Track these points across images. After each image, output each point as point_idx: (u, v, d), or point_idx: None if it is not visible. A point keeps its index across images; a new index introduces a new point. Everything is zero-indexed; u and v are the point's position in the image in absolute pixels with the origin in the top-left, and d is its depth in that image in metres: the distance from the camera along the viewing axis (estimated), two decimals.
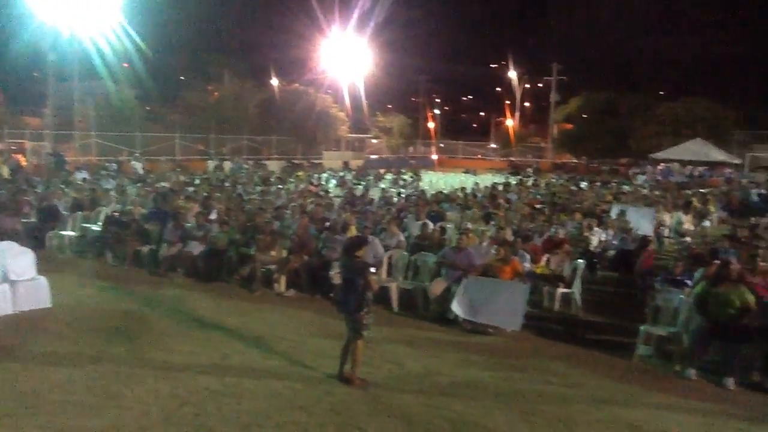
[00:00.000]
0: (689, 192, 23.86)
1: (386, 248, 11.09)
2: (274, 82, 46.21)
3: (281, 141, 44.10)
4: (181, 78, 42.61)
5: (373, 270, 7.08)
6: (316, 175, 28.99)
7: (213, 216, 13.71)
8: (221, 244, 11.73)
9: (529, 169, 40.47)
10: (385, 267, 10.68)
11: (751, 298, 7.53)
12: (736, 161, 37.84)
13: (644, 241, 11.28)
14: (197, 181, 23.38)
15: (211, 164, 31.97)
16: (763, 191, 24.46)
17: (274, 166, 35.40)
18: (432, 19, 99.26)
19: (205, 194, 17.88)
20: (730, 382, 7.22)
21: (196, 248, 11.83)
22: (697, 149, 36.90)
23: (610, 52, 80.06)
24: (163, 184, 21.66)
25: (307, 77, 45.68)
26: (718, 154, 36.94)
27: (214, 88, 43.02)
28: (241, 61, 42.98)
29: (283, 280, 10.85)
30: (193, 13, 38.24)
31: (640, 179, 32.82)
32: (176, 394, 6.41)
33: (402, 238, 11.83)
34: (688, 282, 9.10)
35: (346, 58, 46.22)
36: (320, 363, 7.34)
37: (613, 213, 16.56)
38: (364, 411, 6.18)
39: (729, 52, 71.52)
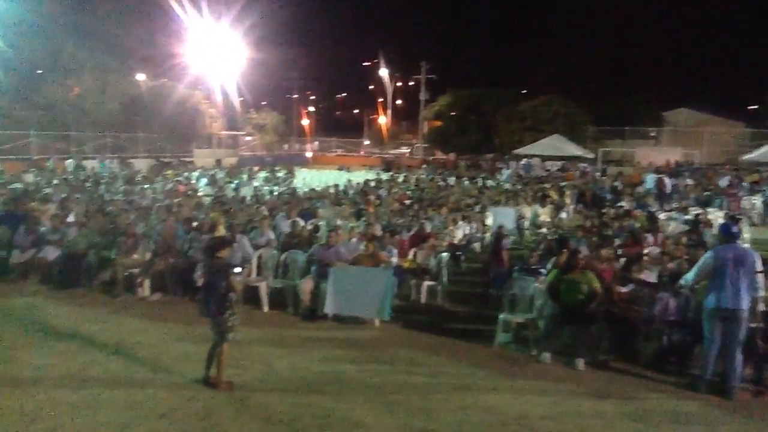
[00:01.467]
0: (547, 186, 25.29)
1: (257, 247, 10.97)
2: (141, 77, 44.18)
3: (149, 138, 42.26)
4: (39, 72, 39.65)
5: (237, 270, 6.99)
6: (185, 174, 28.07)
7: (71, 218, 12.96)
8: (79, 248, 11.12)
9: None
10: (254, 266, 10.59)
11: (597, 284, 8.15)
12: (590, 156, 40.61)
13: (498, 235, 11.78)
14: (55, 182, 21.96)
15: (70, 163, 30.10)
16: (616, 183, 26.35)
17: (142, 164, 33.90)
18: (306, 17, 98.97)
19: (63, 195, 16.86)
20: (580, 363, 7.76)
21: (51, 253, 11.15)
22: (556, 145, 39.17)
23: (476, 52, 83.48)
24: (17, 185, 20.21)
25: (176, 72, 44.11)
26: (574, 149, 39.40)
27: (74, 83, 40.47)
28: (104, 54, 40.62)
29: (147, 283, 10.46)
30: (51, 4, 35.53)
31: (504, 174, 34.38)
32: (25, 410, 6.01)
33: (272, 236, 11.74)
34: (543, 271, 9.67)
35: (218, 54, 45.08)
36: (185, 368, 7.15)
37: (477, 209, 17.34)
38: (230, 414, 6.09)
39: (584, 53, 76.90)
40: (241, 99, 52.67)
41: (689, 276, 7.36)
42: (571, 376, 7.56)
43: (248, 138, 55.90)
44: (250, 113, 56.22)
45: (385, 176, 30.58)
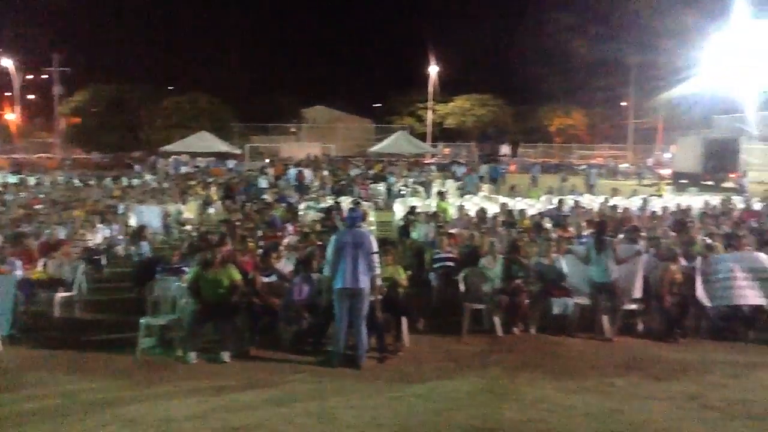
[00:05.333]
0: (193, 182, 25.04)
1: None
2: None
3: None
4: None
5: None
6: None
7: None
8: None
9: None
10: None
11: (238, 276, 8.30)
12: (237, 151, 41.43)
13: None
14: None
15: None
16: (263, 178, 27.14)
17: None
18: None
19: None
20: (226, 356, 7.82)
21: None
22: (203, 142, 39.01)
23: (112, 44, 78.66)
24: None
25: None
26: (221, 146, 39.73)
27: None
28: None
29: None
30: None
31: (148, 175, 33.02)
32: None
33: None
34: (186, 269, 9.52)
35: None
36: None
37: (121, 209, 16.36)
38: None
39: (229, 51, 77.96)
40: None
41: (327, 260, 7.92)
42: (218, 371, 7.59)
43: None
44: None
45: (13, 179, 26.95)
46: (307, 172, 25.79)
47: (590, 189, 25.33)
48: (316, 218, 14.76)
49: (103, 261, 12.20)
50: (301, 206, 17.20)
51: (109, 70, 61.46)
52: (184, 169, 33.64)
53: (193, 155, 38.07)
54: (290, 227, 12.89)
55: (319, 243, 10.41)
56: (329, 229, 11.99)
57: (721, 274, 9.14)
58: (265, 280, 8.96)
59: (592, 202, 18.44)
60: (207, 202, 19.30)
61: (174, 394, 6.87)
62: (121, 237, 13.68)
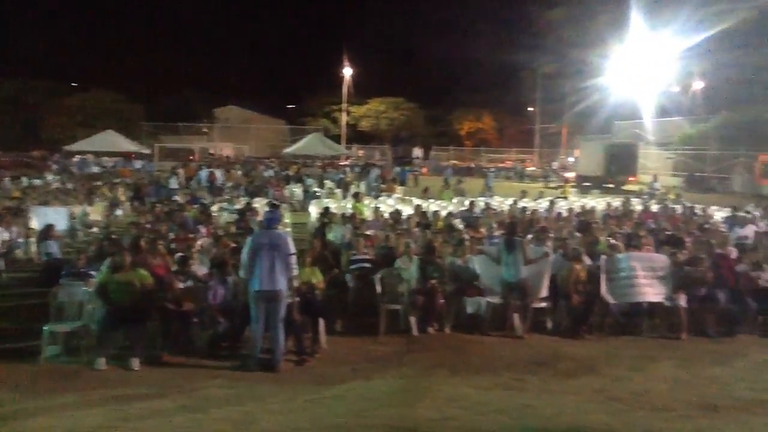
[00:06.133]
0: (99, 183, 24.08)
1: None
2: None
3: None
4: None
5: None
6: None
7: None
8: None
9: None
10: None
11: (149, 279, 8.06)
12: (146, 151, 40.09)
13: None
14: None
15: None
16: (172, 178, 26.37)
17: None
18: None
19: None
20: (135, 363, 7.56)
21: None
22: (110, 140, 37.52)
23: (11, 39, 74.55)
24: None
25: None
26: (129, 145, 38.36)
27: None
28: None
29: None
30: None
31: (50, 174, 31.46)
32: None
33: None
34: (93, 273, 9.13)
35: None
36: None
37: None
38: None
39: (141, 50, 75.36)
40: None
41: (242, 262, 7.79)
42: (129, 378, 7.33)
43: None
44: None
45: None
46: (219, 173, 25.30)
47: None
48: (231, 220, 14.50)
49: (1, 265, 11.54)
50: (214, 208, 16.84)
51: (6, 65, 58.16)
52: (95, 169, 32.29)
53: (99, 155, 36.59)
54: (203, 229, 12.61)
55: (234, 245, 10.24)
56: (244, 231, 11.80)
57: (623, 272, 9.64)
58: (181, 285, 8.74)
59: (501, 204, 18.98)
60: (114, 204, 18.59)
61: (81, 404, 6.56)
62: (21, 240, 12.97)
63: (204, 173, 25.27)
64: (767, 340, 9.41)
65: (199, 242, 11.16)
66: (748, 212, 15.99)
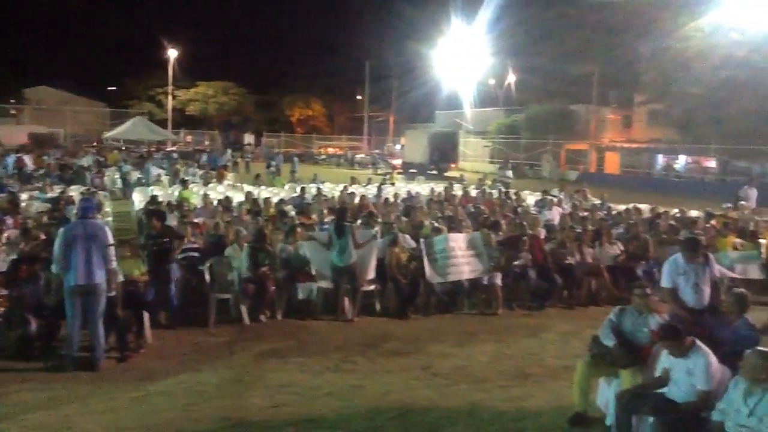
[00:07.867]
0: None
1: None
2: None
3: None
4: None
5: None
6: None
7: None
8: None
9: None
10: None
11: None
12: None
13: None
14: None
15: None
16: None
17: None
18: None
19: None
20: None
21: None
22: None
23: None
24: None
25: None
26: None
27: None
28: None
29: None
30: None
31: None
32: None
33: None
34: None
35: None
36: None
37: None
38: None
39: None
40: None
41: (55, 256, 7.20)
42: None
43: None
44: None
45: None
46: (28, 159, 23.16)
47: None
48: (43, 210, 13.33)
49: None
50: (24, 196, 15.38)
51: None
52: None
53: None
54: (10, 220, 11.50)
55: (44, 237, 9.45)
56: (58, 221, 10.89)
57: (443, 253, 10.19)
58: None
59: (332, 190, 19.17)
60: None
61: None
62: None
63: (11, 159, 22.99)
64: (571, 312, 10.39)
65: (5, 234, 10.19)
66: (554, 196, 17.42)
